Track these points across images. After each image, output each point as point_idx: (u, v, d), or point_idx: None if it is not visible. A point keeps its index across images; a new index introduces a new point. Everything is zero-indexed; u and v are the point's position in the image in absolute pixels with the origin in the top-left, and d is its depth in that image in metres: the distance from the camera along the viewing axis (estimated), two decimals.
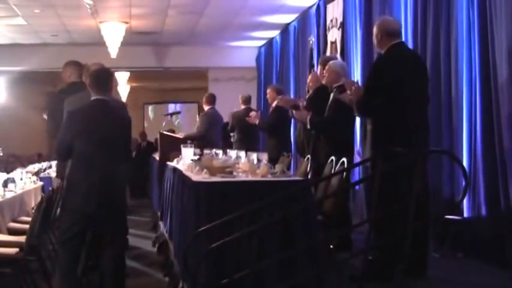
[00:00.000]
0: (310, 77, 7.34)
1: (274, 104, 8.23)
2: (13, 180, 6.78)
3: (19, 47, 14.35)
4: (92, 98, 4.77)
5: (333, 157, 5.54)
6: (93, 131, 4.65)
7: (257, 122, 8.35)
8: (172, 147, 8.01)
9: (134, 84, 20.26)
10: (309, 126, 6.42)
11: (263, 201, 4.04)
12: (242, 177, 4.70)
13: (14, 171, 8.11)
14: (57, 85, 7.91)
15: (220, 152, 5.98)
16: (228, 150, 6.13)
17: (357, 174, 7.82)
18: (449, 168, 6.35)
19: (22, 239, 5.11)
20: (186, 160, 6.09)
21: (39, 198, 6.48)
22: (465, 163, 5.92)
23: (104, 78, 4.86)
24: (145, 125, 21.45)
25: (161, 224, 7.52)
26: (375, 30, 5.24)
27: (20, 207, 6.63)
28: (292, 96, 11.72)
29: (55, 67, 7.01)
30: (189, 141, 7.65)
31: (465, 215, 6.10)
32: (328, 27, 10.06)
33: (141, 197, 13.08)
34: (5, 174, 7.42)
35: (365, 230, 4.40)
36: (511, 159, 5.44)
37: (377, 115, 5.07)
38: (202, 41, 14.38)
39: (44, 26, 12.56)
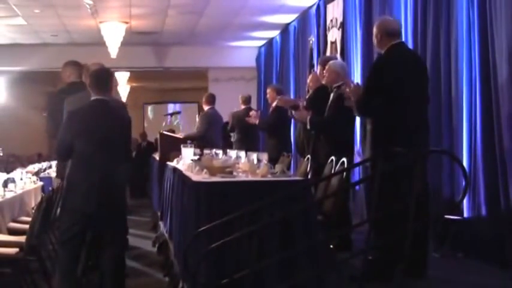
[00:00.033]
0: (310, 77, 7.34)
1: (274, 104, 8.24)
2: (13, 180, 6.78)
3: (19, 47, 14.35)
4: (92, 98, 4.77)
5: (333, 157, 5.54)
6: (93, 131, 4.65)
7: (257, 121, 8.35)
8: (172, 147, 8.01)
9: (134, 84, 20.26)
10: (308, 127, 6.42)
11: (263, 201, 4.04)
12: (242, 177, 4.70)
13: (14, 171, 8.11)
14: (57, 85, 7.92)
15: (220, 152, 5.98)
16: (228, 150, 6.13)
17: (357, 174, 7.82)
18: (449, 168, 6.35)
19: (22, 239, 5.11)
20: (186, 160, 6.09)
21: (39, 198, 6.48)
22: (465, 163, 5.92)
23: (104, 78, 4.86)
24: (145, 125, 21.46)
25: (161, 224, 7.52)
26: (374, 30, 5.24)
27: (20, 207, 6.63)
28: (292, 96, 11.73)
29: (55, 67, 7.01)
30: (188, 141, 7.65)
31: (465, 215, 6.10)
32: (328, 27, 10.06)
33: (141, 197, 13.08)
34: (5, 174, 7.43)
35: (365, 230, 4.39)
36: (511, 159, 5.44)
37: (377, 115, 5.07)
38: (202, 41, 14.38)
39: (44, 26, 12.56)
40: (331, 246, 4.90)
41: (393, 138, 4.84)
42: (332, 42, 9.88)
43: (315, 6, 10.80)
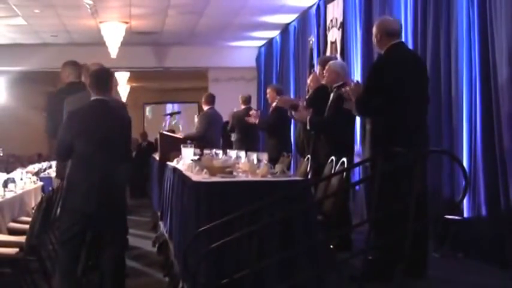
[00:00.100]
0: (311, 77, 7.33)
1: (274, 104, 8.24)
2: (13, 180, 6.78)
3: (19, 47, 14.35)
4: (92, 98, 4.77)
5: (333, 157, 5.54)
6: (93, 131, 4.65)
7: (257, 121, 8.35)
8: (172, 147, 8.01)
9: (134, 84, 20.26)
10: (308, 127, 6.42)
11: (263, 201, 4.04)
12: (242, 177, 4.70)
13: (14, 171, 8.11)
14: (57, 85, 7.93)
15: (220, 152, 5.98)
16: (228, 150, 6.13)
17: (357, 174, 7.82)
18: (449, 168, 6.35)
19: (22, 239, 5.11)
20: (186, 160, 6.09)
21: (39, 198, 6.48)
22: (465, 163, 5.92)
23: (104, 78, 4.86)
24: (145, 125, 21.46)
25: (161, 224, 7.52)
26: (374, 30, 5.24)
27: (20, 207, 6.63)
28: (292, 96, 11.73)
29: (55, 67, 7.01)
30: (188, 141, 7.65)
31: (465, 215, 6.10)
32: (328, 27, 10.06)
33: (141, 197, 13.08)
34: (5, 174, 7.42)
35: (365, 230, 4.39)
36: (511, 159, 5.44)
37: (376, 115, 5.07)
38: (202, 41, 14.38)
39: (44, 26, 12.56)
40: (331, 246, 4.90)
41: (393, 138, 4.84)
42: (332, 42, 9.88)
43: (315, 6, 10.80)
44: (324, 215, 4.95)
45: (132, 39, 13.35)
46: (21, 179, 7.18)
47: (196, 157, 5.74)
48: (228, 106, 10.36)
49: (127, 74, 18.28)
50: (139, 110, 21.53)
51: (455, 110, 6.31)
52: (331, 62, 6.50)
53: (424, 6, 6.85)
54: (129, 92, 19.98)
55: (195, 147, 6.58)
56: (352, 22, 9.01)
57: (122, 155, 4.81)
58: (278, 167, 4.96)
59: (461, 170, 3.75)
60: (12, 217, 6.27)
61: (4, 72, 16.15)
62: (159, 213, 8.12)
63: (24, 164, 12.26)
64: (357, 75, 8.54)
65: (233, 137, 9.36)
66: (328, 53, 9.77)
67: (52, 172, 8.83)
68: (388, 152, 4.36)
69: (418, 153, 4.23)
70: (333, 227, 4.87)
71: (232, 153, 5.70)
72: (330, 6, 10.02)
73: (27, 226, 5.34)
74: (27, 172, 8.15)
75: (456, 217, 6.07)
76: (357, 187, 8.06)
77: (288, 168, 6.41)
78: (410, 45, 6.92)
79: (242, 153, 5.32)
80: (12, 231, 5.82)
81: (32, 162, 12.42)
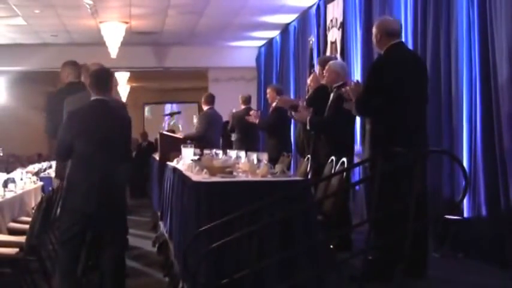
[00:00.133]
0: (311, 77, 7.34)
1: (274, 104, 8.24)
2: (13, 180, 6.78)
3: (19, 47, 14.35)
4: (92, 98, 4.77)
5: (333, 157, 5.54)
6: (93, 131, 4.65)
7: (257, 121, 8.36)
8: (172, 147, 8.01)
9: (134, 84, 20.25)
10: (308, 127, 6.41)
11: (263, 201, 4.04)
12: (242, 177, 4.70)
13: (14, 171, 8.11)
14: (57, 85, 7.94)
15: (220, 152, 5.98)
16: (228, 150, 6.14)
17: (357, 174, 7.82)
18: (449, 168, 6.35)
19: (22, 239, 5.11)
20: (186, 160, 6.09)
21: (39, 198, 6.48)
22: (465, 163, 5.92)
23: (104, 78, 4.86)
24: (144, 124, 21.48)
25: (161, 224, 7.52)
26: (374, 30, 5.24)
27: (20, 207, 6.63)
28: (292, 96, 11.73)
29: (55, 67, 7.02)
30: (188, 141, 7.64)
31: (465, 215, 6.10)
32: (328, 27, 10.06)
33: (141, 197, 13.08)
34: (5, 174, 7.42)
35: (365, 230, 4.39)
36: (511, 159, 5.44)
37: (376, 115, 5.07)
38: (202, 41, 14.38)
39: (44, 26, 12.56)
40: (331, 246, 4.89)
41: (393, 138, 4.84)
42: (332, 42, 9.88)
43: (315, 6, 10.80)
44: (324, 215, 4.95)
45: (132, 39, 13.35)
46: (21, 179, 7.18)
47: (196, 157, 5.74)
48: (228, 106, 10.36)
49: (127, 74, 18.28)
50: (139, 110, 21.53)
51: (455, 110, 6.31)
52: (331, 62, 6.50)
53: (424, 6, 6.85)
54: (129, 92, 19.97)
55: (194, 147, 6.58)
56: (352, 22, 9.01)
57: (122, 155, 4.81)
58: (278, 167, 4.96)
59: (461, 170, 3.75)
60: (12, 217, 6.27)
61: (4, 72, 16.15)
62: (159, 213, 8.12)
63: (24, 164, 12.26)
64: (357, 75, 8.54)
65: (233, 137, 9.36)
66: (328, 53, 9.77)
67: (52, 172, 8.83)
68: (388, 152, 4.36)
69: (418, 153, 4.23)
70: (333, 227, 4.87)
71: (232, 153, 5.70)
72: (330, 6, 10.02)
73: (27, 226, 5.34)
74: (27, 172, 8.15)
75: (456, 217, 6.07)
76: (357, 187, 8.07)
77: (288, 168, 6.41)
78: (410, 45, 6.93)
79: (242, 153, 5.32)
80: (12, 231, 5.82)
81: (32, 162, 12.42)
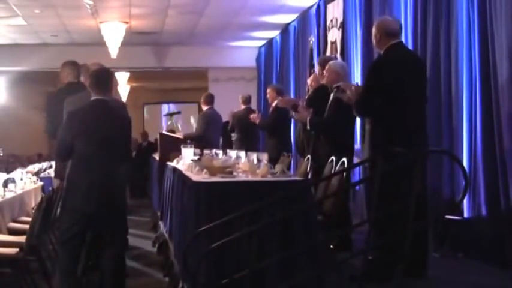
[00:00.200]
0: (311, 77, 7.34)
1: (274, 104, 8.24)
2: (13, 180, 6.78)
3: (19, 47, 14.35)
4: (92, 98, 4.77)
5: (333, 157, 5.54)
6: (93, 131, 4.64)
7: (257, 121, 8.37)
8: (172, 147, 8.01)
9: (134, 84, 20.25)
10: (308, 127, 6.41)
11: (263, 201, 4.04)
12: (242, 177, 4.70)
13: (14, 171, 8.11)
14: (57, 85, 7.95)
15: (220, 152, 5.98)
16: (228, 150, 6.14)
17: (357, 174, 7.82)
18: (449, 168, 6.35)
19: (22, 239, 5.11)
20: (186, 160, 6.09)
21: (39, 198, 6.48)
22: (465, 163, 5.92)
23: (104, 78, 4.86)
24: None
25: (161, 224, 7.52)
26: (373, 30, 5.24)
27: (20, 207, 6.63)
28: (292, 96, 11.73)
29: (55, 67, 7.02)
30: (188, 141, 7.64)
31: (465, 215, 6.10)
32: (328, 27, 10.06)
33: (141, 197, 13.08)
34: (5, 174, 7.42)
35: (365, 230, 4.40)
36: (511, 159, 5.44)
37: (376, 115, 5.07)
38: (202, 41, 14.38)
39: (44, 26, 12.56)
40: (331, 246, 4.89)
41: (393, 138, 4.84)
42: (332, 42, 9.88)
43: (315, 6, 10.80)
44: (324, 215, 4.95)
45: (132, 39, 13.35)
46: (21, 179, 7.18)
47: (196, 157, 5.74)
48: (228, 106, 10.36)
49: (127, 74, 18.28)
50: (139, 110, 21.52)
51: (455, 110, 6.31)
52: (331, 62, 6.50)
53: (424, 6, 6.85)
54: (129, 92, 19.97)
55: (194, 147, 6.58)
56: (352, 22, 9.01)
57: (122, 155, 4.81)
58: (278, 167, 4.96)
59: (461, 170, 3.75)
60: (12, 217, 6.27)
61: (4, 72, 16.14)
62: (159, 213, 8.12)
63: (24, 164, 12.26)
64: (356, 75, 8.54)
65: (233, 137, 9.36)
66: (328, 53, 9.77)
67: (52, 172, 8.83)
68: (388, 152, 4.36)
69: (418, 153, 4.23)
70: (333, 227, 4.87)
71: (232, 153, 5.71)
72: (330, 6, 10.02)
73: (27, 226, 5.34)
74: (27, 172, 8.15)
75: (456, 217, 6.07)
76: (357, 187, 8.06)
77: (288, 168, 6.41)
78: (410, 45, 6.93)
79: (242, 153, 5.32)
80: (12, 231, 5.82)
81: (32, 162, 12.43)
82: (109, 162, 4.64)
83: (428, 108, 5.41)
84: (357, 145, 7.01)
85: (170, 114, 20.85)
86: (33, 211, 5.58)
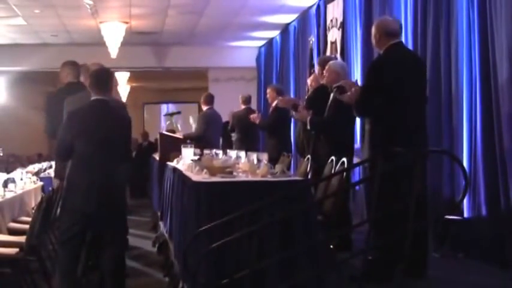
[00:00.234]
0: (311, 77, 7.34)
1: (274, 104, 8.24)
2: (13, 180, 6.78)
3: (19, 47, 14.35)
4: (92, 98, 4.77)
5: (333, 157, 5.54)
6: (93, 131, 4.64)
7: (257, 121, 8.37)
8: (172, 147, 8.01)
9: (134, 84, 20.25)
10: (309, 127, 6.41)
11: (263, 201, 4.04)
12: (242, 177, 4.70)
13: (14, 171, 8.11)
14: (57, 85, 7.95)
15: (220, 152, 5.98)
16: (228, 150, 6.14)
17: (357, 174, 7.82)
18: (449, 168, 6.35)
19: (22, 239, 5.11)
20: (186, 160, 6.09)
21: (39, 198, 6.48)
22: (465, 163, 5.92)
23: (104, 78, 4.86)
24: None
25: (161, 224, 7.52)
26: (373, 30, 5.24)
27: (20, 207, 6.63)
28: (292, 96, 11.72)
29: (55, 67, 7.03)
30: (188, 141, 7.64)
31: (465, 215, 6.10)
32: (328, 27, 10.06)
33: (141, 197, 13.08)
34: (5, 174, 7.42)
35: (365, 230, 4.40)
36: (511, 159, 5.44)
37: (376, 115, 5.07)
38: (202, 41, 14.38)
39: (44, 26, 12.56)
40: (331, 246, 4.89)
41: (392, 138, 4.83)
42: (332, 42, 9.88)
43: (315, 6, 10.80)
44: (324, 215, 4.95)
45: (132, 39, 13.35)
46: (21, 179, 7.18)
47: (196, 157, 5.74)
48: (228, 106, 10.37)
49: (127, 74, 18.27)
50: (139, 110, 21.52)
51: (455, 110, 6.31)
52: (331, 62, 6.50)
53: (424, 6, 6.85)
54: (129, 92, 19.97)
55: (194, 147, 6.58)
56: (352, 22, 9.01)
57: (122, 155, 4.81)
58: (278, 167, 4.96)
59: (461, 170, 3.75)
60: (12, 217, 6.27)
61: (4, 72, 16.14)
62: (159, 213, 8.12)
63: (24, 164, 12.27)
64: (357, 75, 8.54)
65: (233, 137, 9.36)
66: (328, 53, 9.77)
67: (52, 172, 8.83)
68: (388, 152, 4.36)
69: (418, 153, 4.23)
70: (333, 227, 4.87)
71: (232, 153, 5.71)
72: (330, 6, 10.02)
73: (27, 226, 5.34)
74: (27, 172, 8.15)
75: (456, 217, 6.07)
76: (357, 187, 8.06)
77: (288, 168, 6.41)
78: (410, 45, 6.93)
79: (242, 153, 5.32)
80: (12, 231, 5.81)
81: (32, 162, 12.43)
82: (109, 162, 4.64)
83: (428, 108, 5.41)
84: (357, 145, 7.01)
85: (170, 114, 20.86)
86: (33, 211, 5.58)
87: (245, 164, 4.89)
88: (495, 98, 5.64)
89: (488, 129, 5.78)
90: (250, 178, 4.62)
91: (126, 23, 12.28)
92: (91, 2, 10.50)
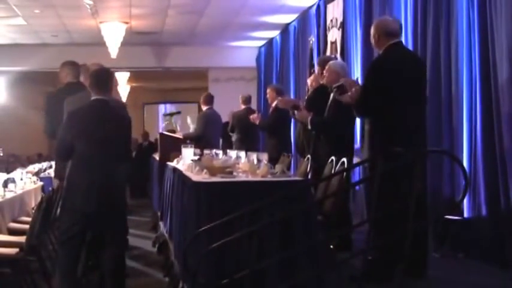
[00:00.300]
0: (312, 77, 7.33)
1: (274, 104, 8.24)
2: (13, 180, 6.78)
3: (19, 47, 14.35)
4: (92, 98, 4.76)
5: (333, 157, 5.54)
6: (93, 131, 4.64)
7: (257, 121, 8.37)
8: (172, 147, 8.02)
9: (134, 84, 20.25)
10: (309, 127, 6.41)
11: (263, 201, 4.04)
12: (242, 177, 4.70)
13: (14, 171, 8.11)
14: (57, 85, 7.95)
15: (220, 152, 5.98)
16: (228, 150, 6.14)
17: (357, 174, 7.82)
18: (449, 168, 6.35)
19: (22, 239, 5.11)
20: (186, 160, 6.09)
21: (39, 198, 6.48)
22: (465, 163, 5.92)
23: (104, 78, 4.86)
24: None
25: (161, 224, 7.52)
26: (372, 30, 5.24)
27: (20, 207, 6.63)
28: (292, 96, 11.73)
29: (55, 67, 7.02)
30: (188, 141, 7.63)
31: (465, 215, 6.10)
32: (328, 27, 10.06)
33: (141, 197, 13.08)
34: (5, 174, 7.43)
35: (365, 230, 4.39)
36: (511, 159, 5.44)
37: (375, 115, 5.06)
38: (202, 41, 14.38)
39: (44, 26, 12.56)
40: (331, 246, 4.89)
41: (392, 138, 4.83)
42: (332, 42, 9.88)
43: (315, 6, 10.80)
44: (324, 215, 4.95)
45: (132, 39, 13.35)
46: (21, 179, 7.18)
47: (196, 157, 5.74)
48: (228, 106, 10.37)
49: (127, 74, 18.28)
50: (139, 110, 21.53)
51: (455, 110, 6.31)
52: (331, 62, 6.49)
53: (424, 6, 6.85)
54: (129, 92, 19.97)
55: (194, 147, 6.58)
56: (352, 22, 9.01)
57: (122, 155, 4.81)
58: (278, 167, 4.96)
59: (461, 170, 3.75)
60: (12, 217, 6.27)
61: (4, 72, 16.14)
62: (159, 213, 8.12)
63: (24, 164, 12.27)
64: (357, 75, 8.53)
65: (233, 137, 9.36)
66: (328, 53, 9.77)
67: (52, 172, 8.83)
68: (388, 152, 4.36)
69: (418, 153, 4.23)
70: (333, 227, 4.87)
71: (232, 153, 5.71)
72: (330, 6, 10.02)
73: (27, 226, 5.34)
74: (27, 172, 8.15)
75: (456, 217, 6.07)
76: (357, 187, 8.06)
77: (288, 168, 6.41)
78: (410, 45, 6.93)
79: (242, 153, 5.32)
80: (12, 231, 5.82)
81: (32, 162, 12.44)
82: (109, 162, 4.64)
83: (428, 108, 5.41)
84: (357, 145, 7.01)
85: (170, 114, 20.87)
86: (33, 211, 5.58)
87: (245, 164, 4.89)
88: (495, 98, 5.64)
89: (488, 129, 5.78)
90: (250, 178, 4.62)
91: (126, 23, 12.28)
92: (91, 2, 10.50)
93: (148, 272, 6.23)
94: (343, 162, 5.19)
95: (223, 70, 15.50)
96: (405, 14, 7.34)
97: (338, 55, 9.27)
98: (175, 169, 6.21)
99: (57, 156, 5.63)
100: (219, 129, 9.45)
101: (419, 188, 4.45)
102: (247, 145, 8.28)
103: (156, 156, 9.45)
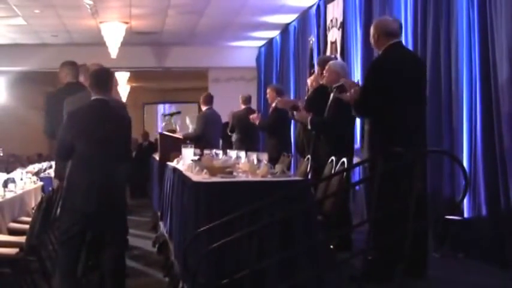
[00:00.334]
0: (312, 77, 7.33)
1: (273, 104, 8.24)
2: (13, 180, 6.78)
3: (19, 47, 14.36)
4: (92, 98, 4.77)
5: (333, 157, 5.54)
6: (93, 131, 4.64)
7: (257, 121, 8.37)
8: (172, 147, 8.02)
9: (134, 84, 20.26)
10: (309, 127, 6.41)
11: (263, 201, 4.04)
12: (242, 177, 4.70)
13: (14, 171, 8.11)
14: (57, 85, 7.94)
15: (220, 152, 5.98)
16: (228, 150, 6.14)
17: (357, 174, 7.82)
18: (449, 168, 6.35)
19: (22, 239, 5.11)
20: (186, 160, 6.09)
21: (39, 198, 6.48)
22: (465, 163, 5.93)
23: (104, 78, 4.86)
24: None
25: (161, 224, 7.52)
26: (372, 30, 5.24)
27: (20, 207, 6.63)
28: (292, 96, 11.73)
29: (55, 67, 7.01)
30: (188, 142, 7.63)
31: (465, 215, 6.10)
32: (328, 27, 10.06)
33: (141, 197, 13.08)
34: (5, 174, 7.42)
35: (365, 230, 4.39)
36: (511, 159, 5.44)
37: (375, 115, 5.06)
38: (202, 41, 14.38)
39: (44, 26, 12.56)
40: (331, 246, 4.89)
41: (391, 138, 4.83)
42: (332, 42, 9.88)
43: (315, 6, 10.80)
44: (324, 215, 4.95)
45: (132, 39, 13.36)
46: (21, 179, 7.18)
47: (196, 157, 5.74)
48: (228, 106, 10.36)
49: (127, 74, 18.28)
50: (139, 110, 21.53)
51: (455, 110, 6.31)
52: (331, 62, 6.49)
53: (424, 6, 6.85)
54: (129, 92, 19.97)
55: (194, 147, 6.58)
56: (352, 22, 9.01)
57: (122, 155, 4.81)
58: (278, 167, 4.96)
59: (461, 170, 3.75)
60: (12, 217, 6.27)
61: (4, 72, 16.14)
62: (159, 213, 8.12)
63: (24, 164, 12.27)
64: (357, 75, 8.54)
65: (233, 137, 9.36)
66: (328, 53, 9.77)
67: (52, 172, 8.83)
68: (388, 152, 4.36)
69: (418, 153, 4.23)
70: (333, 227, 4.87)
71: (232, 153, 5.70)
72: (330, 6, 10.02)
73: (27, 226, 5.34)
74: (27, 172, 8.15)
75: (456, 217, 6.07)
76: (357, 187, 8.06)
77: (288, 168, 6.41)
78: (410, 45, 6.93)
79: (242, 153, 5.31)
80: (12, 231, 5.82)
81: (32, 162, 12.43)
82: (109, 162, 4.64)
83: (428, 108, 5.41)
84: (357, 145, 7.02)
85: (170, 115, 20.85)
86: (33, 211, 5.58)
87: (245, 164, 4.89)
88: (495, 98, 5.64)
89: (488, 129, 5.78)
90: (250, 178, 4.62)
91: (126, 23, 12.28)
92: (91, 2, 10.51)
93: (148, 272, 6.23)
94: (343, 162, 5.19)
95: (223, 70, 15.50)
96: (405, 14, 7.35)
97: (338, 55, 9.27)
98: (175, 169, 6.21)
99: (57, 156, 5.63)
100: (218, 129, 9.44)
101: (419, 188, 4.45)
102: (247, 145, 8.28)
103: (156, 156, 9.44)
